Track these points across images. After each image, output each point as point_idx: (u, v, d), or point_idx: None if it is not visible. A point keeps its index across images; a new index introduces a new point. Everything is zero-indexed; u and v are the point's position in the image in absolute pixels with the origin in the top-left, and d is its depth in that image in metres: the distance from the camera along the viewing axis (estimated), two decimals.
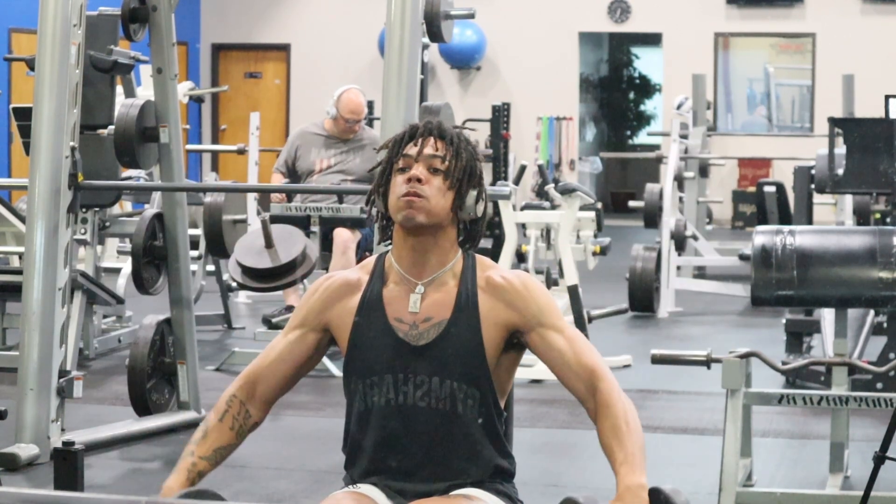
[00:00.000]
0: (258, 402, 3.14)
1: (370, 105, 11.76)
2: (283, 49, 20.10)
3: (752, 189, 16.66)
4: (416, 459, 3.06)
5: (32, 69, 6.56)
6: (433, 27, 6.18)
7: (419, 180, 3.05)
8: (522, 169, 10.96)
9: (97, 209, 8.02)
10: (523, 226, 8.60)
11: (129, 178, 8.74)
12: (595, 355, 3.06)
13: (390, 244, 3.15)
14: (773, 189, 12.33)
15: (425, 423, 3.05)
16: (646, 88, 22.64)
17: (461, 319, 3.05)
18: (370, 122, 10.88)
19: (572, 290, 8.02)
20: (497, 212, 8.57)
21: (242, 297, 10.84)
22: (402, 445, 3.06)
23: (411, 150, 3.09)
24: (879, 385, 6.96)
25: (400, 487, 3.07)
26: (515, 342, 3.09)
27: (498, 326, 3.06)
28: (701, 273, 12.37)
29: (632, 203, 13.15)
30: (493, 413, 3.09)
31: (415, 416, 3.05)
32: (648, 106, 22.67)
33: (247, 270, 7.75)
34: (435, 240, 3.08)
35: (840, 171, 7.26)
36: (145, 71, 10.20)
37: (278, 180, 9.04)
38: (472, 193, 3.10)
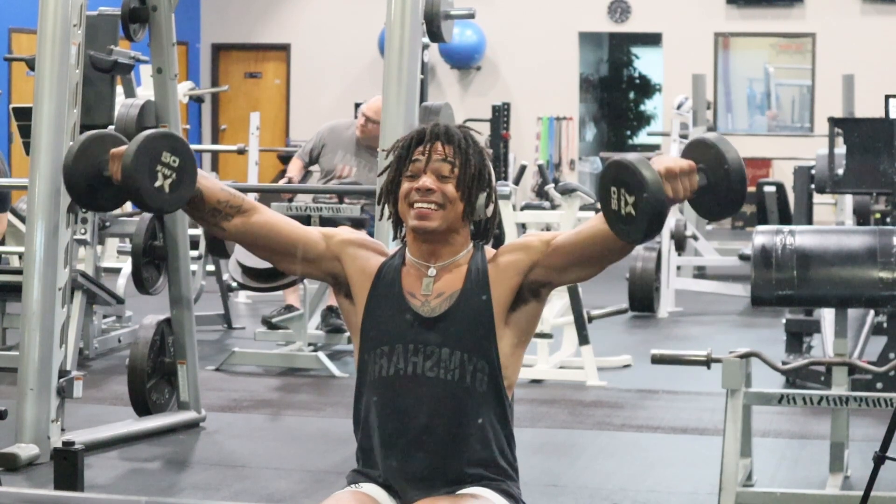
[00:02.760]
0: (240, 222, 3.15)
1: None
2: (283, 49, 20.09)
3: (752, 189, 16.66)
4: (423, 430, 3.08)
5: (32, 69, 6.56)
6: (433, 27, 6.18)
7: (429, 190, 3.08)
8: (522, 169, 10.97)
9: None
10: (523, 226, 8.60)
11: None
12: None
13: (404, 239, 3.20)
14: (773, 189, 12.33)
15: (434, 394, 3.08)
16: (646, 88, 22.64)
17: (471, 290, 3.11)
18: None
19: (572, 290, 8.02)
20: (498, 221, 8.57)
21: (242, 297, 10.84)
22: (411, 415, 3.09)
23: (419, 157, 3.11)
24: (879, 385, 6.96)
25: (402, 479, 3.08)
26: (528, 293, 3.11)
27: (508, 278, 3.11)
28: (701, 273, 12.37)
29: None
30: (501, 389, 3.12)
31: (423, 386, 3.09)
32: (648, 106, 22.67)
33: (247, 270, 7.75)
34: (447, 240, 3.14)
35: (840, 171, 7.26)
36: (145, 71, 10.21)
37: (297, 167, 9.03)
38: (482, 196, 3.14)
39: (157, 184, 2.98)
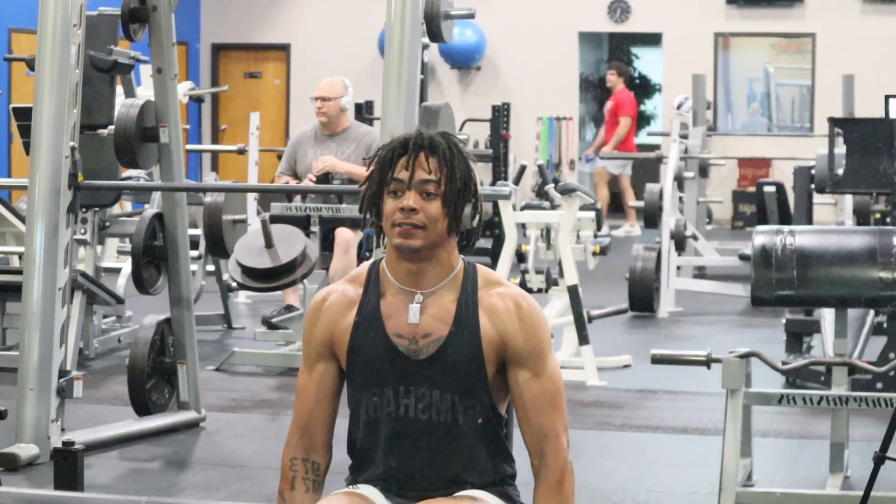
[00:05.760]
0: (319, 450, 3.14)
1: (370, 105, 11.76)
2: (283, 49, 20.09)
3: (752, 189, 16.65)
4: (418, 470, 3.06)
5: (32, 69, 6.56)
6: (433, 27, 6.18)
7: (413, 210, 2.99)
8: (522, 169, 10.96)
9: (97, 209, 8.02)
10: (523, 226, 8.60)
11: (129, 178, 8.74)
12: (558, 417, 3.05)
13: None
14: (773, 189, 12.31)
15: (426, 436, 3.05)
16: (646, 88, 22.63)
17: (460, 335, 3.03)
18: (370, 122, 10.87)
19: (572, 290, 8.02)
20: (497, 212, 8.57)
21: (242, 297, 10.83)
22: (404, 457, 3.07)
23: (402, 173, 3.01)
24: (879, 385, 6.96)
25: (400, 491, 3.08)
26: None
27: (494, 346, 3.04)
28: (701, 273, 12.37)
29: (632, 203, 13.15)
30: (494, 420, 3.09)
31: (416, 429, 3.05)
32: (648, 106, 22.65)
33: (247, 270, 7.75)
34: (433, 257, 3.05)
35: (840, 171, 7.26)
36: (145, 71, 10.20)
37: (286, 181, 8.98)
38: (468, 207, 3.05)
39: None
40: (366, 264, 3.16)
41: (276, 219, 8.02)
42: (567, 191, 8.40)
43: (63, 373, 5.99)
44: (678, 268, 11.24)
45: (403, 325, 3.04)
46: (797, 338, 8.01)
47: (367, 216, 3.09)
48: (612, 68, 17.09)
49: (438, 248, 3.04)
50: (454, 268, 3.07)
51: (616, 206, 19.06)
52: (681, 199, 11.83)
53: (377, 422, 3.07)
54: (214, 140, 19.83)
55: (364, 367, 3.06)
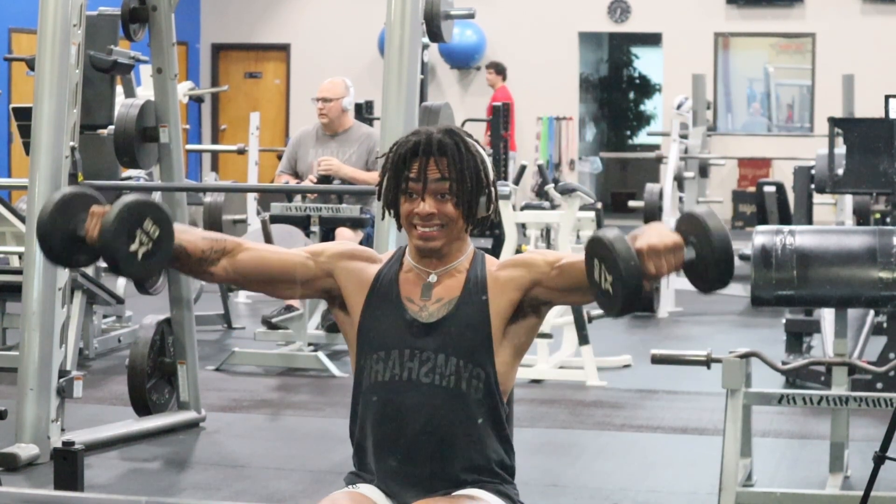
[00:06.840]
0: (228, 263, 3.15)
1: (370, 105, 11.76)
2: (283, 49, 20.09)
3: (752, 189, 16.65)
4: (418, 436, 3.08)
5: (32, 69, 6.56)
6: (433, 27, 6.18)
7: (430, 215, 3.09)
8: (522, 169, 10.97)
9: None
10: (523, 226, 8.59)
11: (129, 178, 8.75)
12: None
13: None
14: (773, 189, 12.31)
15: (429, 400, 3.08)
16: (646, 88, 22.63)
17: (469, 297, 3.11)
18: (370, 122, 10.87)
19: None
20: (497, 212, 8.57)
21: (242, 297, 10.84)
22: (406, 421, 3.08)
23: (415, 175, 3.09)
24: (879, 385, 6.96)
25: (398, 483, 3.08)
26: (528, 308, 3.11)
27: (508, 292, 3.10)
28: None
29: (632, 203, 13.15)
30: (497, 397, 3.11)
31: (418, 393, 3.08)
32: (648, 106, 22.66)
33: None
34: (450, 248, 3.15)
35: (840, 171, 7.26)
36: (145, 71, 10.21)
37: (286, 181, 8.98)
38: (482, 200, 3.14)
39: (133, 248, 2.93)
40: (396, 247, 3.26)
41: (276, 219, 8.02)
42: (567, 191, 8.40)
43: (63, 373, 5.99)
44: None
45: (416, 295, 3.13)
46: (797, 338, 8.02)
47: (385, 212, 3.17)
48: (490, 67, 17.09)
49: (455, 240, 3.15)
50: (467, 250, 3.17)
51: (617, 207, 19.08)
52: (681, 199, 11.83)
53: (380, 385, 3.10)
54: (214, 140, 19.83)
55: (374, 329, 3.12)
